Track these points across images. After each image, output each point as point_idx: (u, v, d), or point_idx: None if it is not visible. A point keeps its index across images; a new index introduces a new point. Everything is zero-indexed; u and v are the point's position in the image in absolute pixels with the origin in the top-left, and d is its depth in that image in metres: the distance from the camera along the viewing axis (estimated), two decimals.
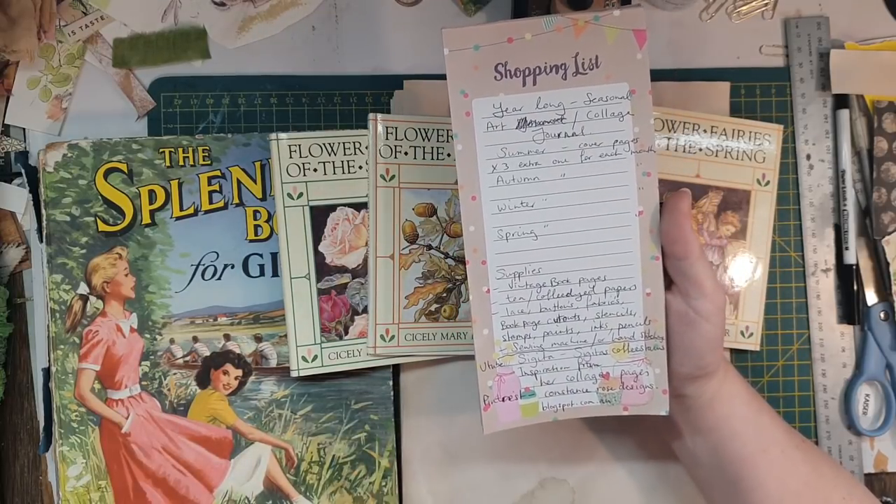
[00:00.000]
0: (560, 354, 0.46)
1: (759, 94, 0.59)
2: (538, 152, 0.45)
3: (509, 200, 0.45)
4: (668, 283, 0.47)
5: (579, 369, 0.47)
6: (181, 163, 0.54)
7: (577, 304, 0.46)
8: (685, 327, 0.46)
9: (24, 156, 0.57)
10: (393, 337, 0.53)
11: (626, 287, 0.46)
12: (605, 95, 0.45)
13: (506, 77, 0.44)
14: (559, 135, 0.45)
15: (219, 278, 0.54)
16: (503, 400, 0.46)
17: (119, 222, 0.53)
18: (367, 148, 0.53)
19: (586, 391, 0.47)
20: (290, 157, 0.52)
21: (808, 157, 0.59)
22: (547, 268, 0.46)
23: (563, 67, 0.44)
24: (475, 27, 0.44)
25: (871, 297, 0.58)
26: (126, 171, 0.54)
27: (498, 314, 0.46)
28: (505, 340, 0.46)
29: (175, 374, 0.54)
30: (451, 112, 0.44)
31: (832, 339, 0.58)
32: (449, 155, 0.54)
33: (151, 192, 0.54)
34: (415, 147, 0.53)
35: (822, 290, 0.58)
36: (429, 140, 0.53)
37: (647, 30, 0.44)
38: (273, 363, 0.54)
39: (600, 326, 0.46)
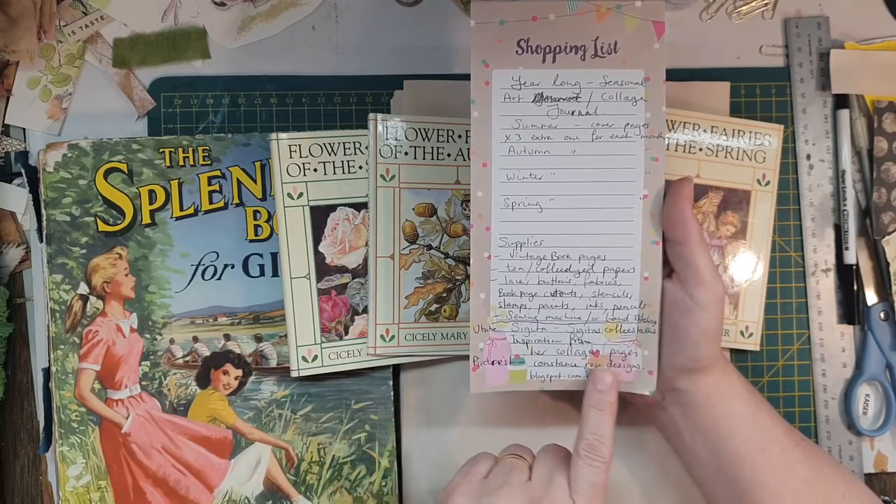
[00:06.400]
0: (553, 328, 0.47)
1: (759, 94, 0.59)
2: (551, 127, 0.46)
3: (519, 171, 0.46)
4: (669, 271, 0.47)
5: (570, 344, 0.47)
6: (181, 163, 0.54)
7: (575, 281, 0.47)
8: (681, 315, 0.46)
9: (24, 156, 0.57)
10: (393, 337, 0.53)
11: (624, 269, 0.47)
12: (621, 80, 0.46)
13: (527, 52, 0.46)
14: (573, 112, 0.46)
15: (219, 278, 0.54)
16: (492, 363, 0.47)
17: (119, 222, 0.53)
18: (367, 148, 0.53)
19: (575, 366, 0.48)
20: (290, 157, 0.52)
21: (808, 157, 0.59)
22: (549, 241, 0.47)
23: (582, 49, 0.46)
24: (503, 3, 0.46)
25: (871, 297, 0.58)
26: (126, 171, 0.54)
27: (496, 280, 0.47)
28: (501, 307, 0.47)
29: (175, 374, 0.54)
30: (472, 80, 0.46)
31: (832, 339, 0.58)
32: (449, 155, 0.54)
33: (151, 192, 0.54)
34: (415, 147, 0.53)
35: (822, 290, 0.58)
36: (429, 140, 0.53)
37: (666, 22, 0.46)
38: (273, 363, 0.54)
39: (595, 305, 0.47)
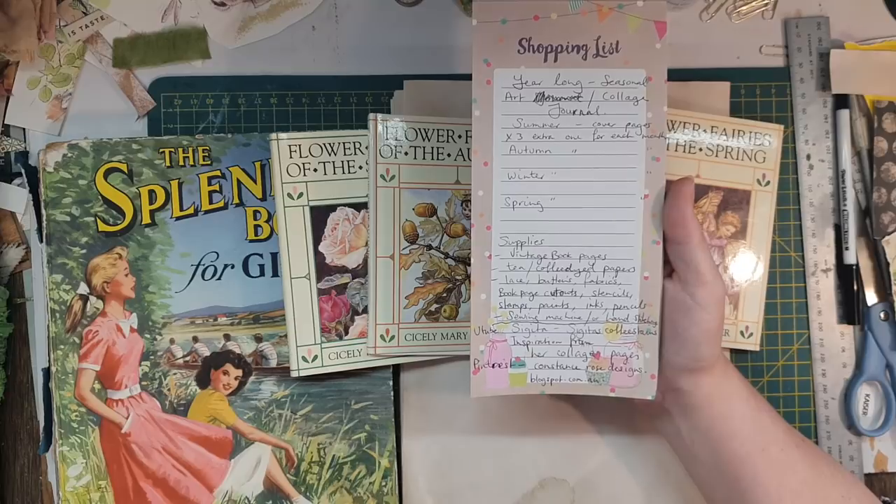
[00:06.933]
0: (554, 328, 0.47)
1: (759, 94, 0.59)
2: (552, 126, 0.46)
3: (520, 170, 0.46)
4: (669, 271, 0.47)
5: (571, 345, 0.47)
6: (181, 163, 0.54)
7: (576, 280, 0.47)
8: (682, 315, 0.46)
9: (24, 156, 0.57)
10: (393, 337, 0.53)
11: (624, 268, 0.47)
12: (623, 79, 0.46)
13: (528, 52, 0.46)
14: (574, 112, 0.46)
15: (219, 278, 0.54)
16: (493, 366, 0.47)
17: (119, 222, 0.53)
18: (367, 148, 0.53)
19: (576, 368, 0.47)
20: (290, 157, 0.52)
21: (808, 157, 0.59)
22: (549, 240, 0.47)
23: (584, 48, 0.46)
24: (505, 2, 0.46)
25: (871, 297, 0.58)
26: (126, 171, 0.54)
27: (497, 280, 0.47)
28: (501, 308, 0.47)
29: (175, 374, 0.54)
30: (473, 79, 0.46)
31: (832, 339, 0.58)
32: (449, 155, 0.54)
33: (151, 192, 0.54)
34: (415, 147, 0.53)
35: (822, 290, 0.58)
36: (429, 140, 0.53)
37: (667, 22, 0.46)
38: (273, 363, 0.54)
39: (596, 305, 0.47)
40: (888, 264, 0.57)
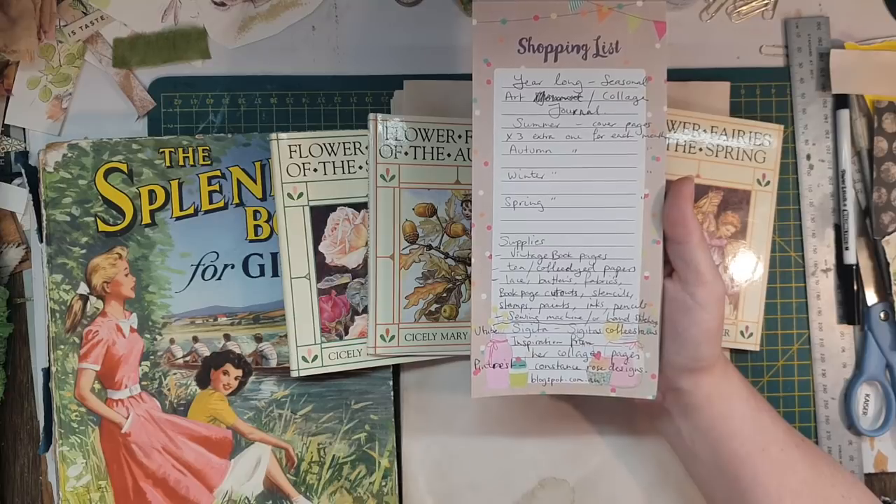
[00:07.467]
0: (554, 328, 0.47)
1: (759, 94, 0.59)
2: (552, 126, 0.46)
3: (520, 169, 0.46)
4: (669, 271, 0.47)
5: (571, 345, 0.47)
6: (181, 163, 0.54)
7: (576, 280, 0.47)
8: (682, 315, 0.46)
9: (24, 156, 0.57)
10: (393, 337, 0.53)
11: (625, 268, 0.47)
12: (622, 79, 0.46)
13: (528, 51, 0.46)
14: (574, 112, 0.46)
15: (219, 278, 0.54)
16: (493, 367, 0.47)
17: (119, 222, 0.53)
18: (367, 148, 0.53)
19: (576, 368, 0.47)
20: (290, 157, 0.52)
21: (808, 157, 0.59)
22: (550, 240, 0.47)
23: (584, 48, 0.46)
24: (505, 2, 0.46)
25: (871, 297, 0.58)
26: (126, 171, 0.54)
27: (497, 280, 0.47)
28: (502, 308, 0.47)
29: (175, 374, 0.54)
30: (473, 79, 0.46)
31: (832, 339, 0.58)
32: (449, 155, 0.54)
33: (151, 192, 0.54)
34: (415, 147, 0.53)
35: (822, 290, 0.58)
36: (429, 140, 0.53)
37: (667, 22, 0.46)
38: (273, 363, 0.54)
39: (596, 305, 0.47)
40: (888, 264, 0.57)
